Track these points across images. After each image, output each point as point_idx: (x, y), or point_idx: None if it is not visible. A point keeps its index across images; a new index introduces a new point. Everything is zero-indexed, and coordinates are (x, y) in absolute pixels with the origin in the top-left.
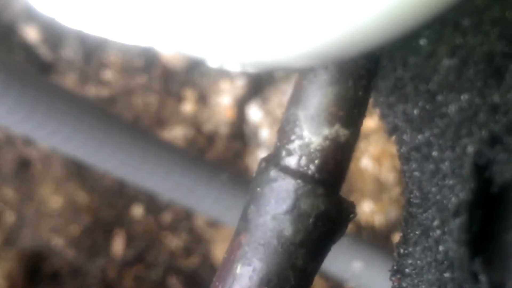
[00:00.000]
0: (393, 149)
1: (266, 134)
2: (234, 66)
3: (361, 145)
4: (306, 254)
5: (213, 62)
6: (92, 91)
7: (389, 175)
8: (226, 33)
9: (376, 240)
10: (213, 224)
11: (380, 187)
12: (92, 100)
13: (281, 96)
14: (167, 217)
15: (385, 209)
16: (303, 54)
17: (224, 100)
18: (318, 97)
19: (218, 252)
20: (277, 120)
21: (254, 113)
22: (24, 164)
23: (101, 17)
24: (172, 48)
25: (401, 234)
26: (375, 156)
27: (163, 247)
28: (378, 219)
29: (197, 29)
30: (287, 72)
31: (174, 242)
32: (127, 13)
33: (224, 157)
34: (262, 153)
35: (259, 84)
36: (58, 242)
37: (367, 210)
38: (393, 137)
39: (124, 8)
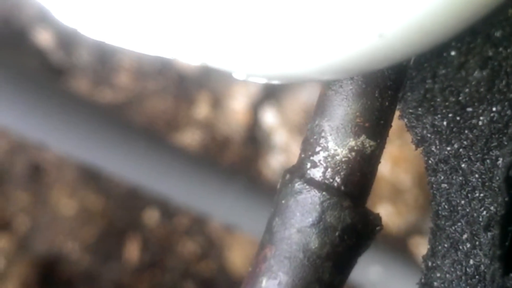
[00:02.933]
0: (410, 151)
1: (279, 138)
2: (260, 78)
3: None
4: (333, 268)
5: (239, 75)
6: (105, 95)
7: (406, 178)
8: (254, 46)
9: (393, 244)
10: (228, 229)
11: (396, 190)
12: (105, 105)
13: (295, 99)
14: (182, 222)
15: (402, 212)
16: (331, 67)
17: (238, 104)
18: (344, 108)
19: (234, 257)
20: (291, 124)
21: (268, 117)
22: (37, 169)
23: (125, 29)
24: (197, 61)
25: (428, 247)
26: (392, 159)
27: (178, 252)
28: (395, 223)
29: (225, 43)
30: (305, 83)
31: (189, 247)
32: (151, 25)
33: (238, 161)
34: (275, 158)
35: (273, 88)
36: (72, 247)
37: (384, 213)
38: (420, 149)
39: (149, 20)
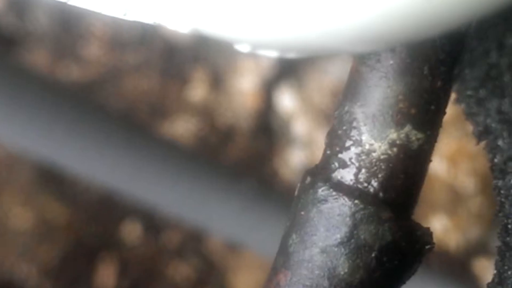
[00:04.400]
0: (472, 146)
1: (301, 128)
2: (270, 51)
3: None
4: None
5: (242, 46)
6: (71, 72)
7: (467, 181)
8: (261, 4)
9: (450, 267)
10: (232, 247)
11: (455, 197)
12: (71, 84)
13: (321, 77)
14: (172, 238)
15: (462, 226)
16: (365, 34)
17: (246, 84)
18: (383, 90)
19: (239, 284)
20: (315, 110)
21: (286, 100)
22: None
23: None
24: (186, 27)
25: (494, 271)
26: (448, 156)
27: (167, 277)
28: (454, 240)
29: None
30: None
31: (181, 270)
32: None
33: (246, 159)
34: (294, 154)
35: (291, 62)
36: (27, 271)
37: (439, 227)
38: (483, 143)
39: None
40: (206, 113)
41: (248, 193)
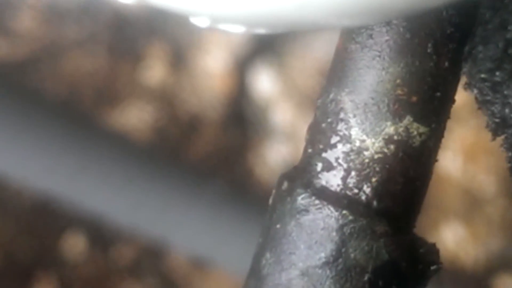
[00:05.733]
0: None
1: (281, 116)
2: (234, 25)
3: None
4: None
5: (200, 20)
6: None
7: (487, 182)
8: None
9: (466, 286)
10: (197, 265)
11: (472, 201)
12: None
13: (306, 54)
14: (123, 254)
15: (481, 236)
16: (355, 3)
17: (213, 63)
18: (376, 73)
19: None
20: (299, 94)
21: (263, 82)
22: None
23: None
24: None
25: None
26: (464, 151)
27: None
28: (470, 254)
29: None
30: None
31: None
32: None
33: (214, 155)
34: (274, 148)
35: (270, 36)
36: None
37: (452, 239)
38: (501, 138)
39: None
40: (165, 99)
41: (217, 198)
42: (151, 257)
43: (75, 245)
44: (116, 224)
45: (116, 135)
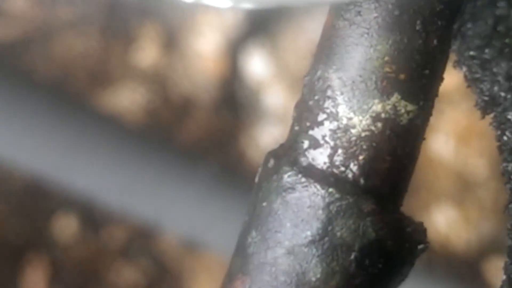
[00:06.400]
0: (483, 123)
1: (274, 99)
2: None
3: (431, 117)
4: None
5: None
6: None
7: (479, 165)
8: None
9: (458, 270)
10: (188, 247)
11: (463, 185)
12: None
13: (298, 35)
14: (114, 236)
15: (473, 219)
16: None
17: (206, 45)
18: (364, 50)
19: None
20: (291, 76)
21: (255, 64)
22: None
23: None
24: None
25: (503, 277)
26: (455, 135)
27: (110, 283)
28: (462, 237)
29: None
30: (301, 8)
31: (127, 275)
32: None
33: (206, 138)
34: (266, 130)
35: (263, 17)
36: None
37: (444, 221)
38: (490, 116)
39: None
40: (157, 81)
41: (209, 180)
42: (143, 239)
43: (66, 226)
44: (107, 205)
45: (108, 116)
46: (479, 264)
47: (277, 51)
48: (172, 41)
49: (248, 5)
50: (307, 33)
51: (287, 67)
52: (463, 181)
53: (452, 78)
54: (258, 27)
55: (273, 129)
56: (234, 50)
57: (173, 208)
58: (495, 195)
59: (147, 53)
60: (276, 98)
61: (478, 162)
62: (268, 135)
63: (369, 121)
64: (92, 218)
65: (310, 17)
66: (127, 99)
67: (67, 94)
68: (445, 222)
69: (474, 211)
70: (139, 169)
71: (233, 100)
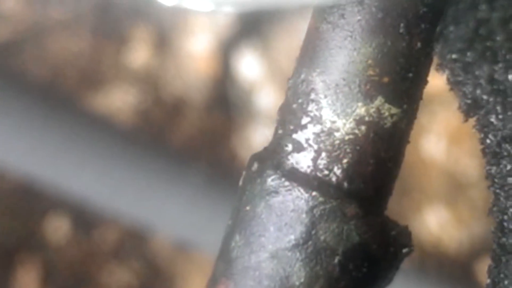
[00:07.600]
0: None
1: (266, 99)
2: (201, 2)
3: (423, 118)
4: None
5: None
6: None
7: (471, 165)
8: None
9: (450, 272)
10: (180, 248)
11: (455, 186)
12: None
13: (291, 36)
14: (106, 237)
15: (464, 220)
16: None
17: (198, 45)
18: (348, 53)
19: None
20: (283, 77)
21: (247, 65)
22: None
23: None
24: None
25: (488, 281)
26: (446, 136)
27: (102, 284)
28: (454, 238)
29: None
30: (291, 10)
31: (119, 276)
32: None
33: (198, 138)
34: (258, 131)
35: (255, 19)
36: None
37: (435, 222)
38: (473, 120)
39: None
40: (149, 81)
41: (201, 181)
42: (135, 240)
43: (58, 227)
44: (99, 206)
45: (100, 117)
46: (471, 264)
47: (269, 51)
48: (164, 42)
49: (229, 9)
50: (299, 34)
51: (279, 67)
52: (455, 182)
53: (443, 79)
54: (250, 27)
55: (265, 129)
56: (226, 50)
57: (165, 209)
58: (487, 196)
59: (139, 54)
60: (268, 98)
61: (470, 163)
62: (260, 136)
63: (352, 125)
64: (84, 219)
65: (302, 18)
66: (119, 99)
67: (59, 95)
68: (437, 222)
69: (466, 212)
70: (131, 170)
71: (225, 101)
